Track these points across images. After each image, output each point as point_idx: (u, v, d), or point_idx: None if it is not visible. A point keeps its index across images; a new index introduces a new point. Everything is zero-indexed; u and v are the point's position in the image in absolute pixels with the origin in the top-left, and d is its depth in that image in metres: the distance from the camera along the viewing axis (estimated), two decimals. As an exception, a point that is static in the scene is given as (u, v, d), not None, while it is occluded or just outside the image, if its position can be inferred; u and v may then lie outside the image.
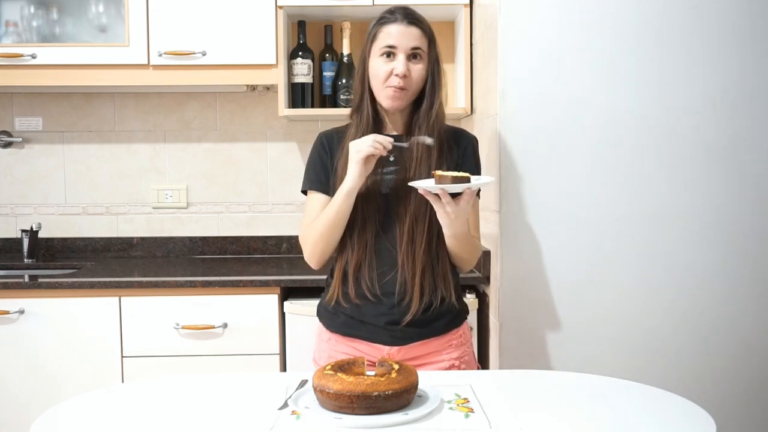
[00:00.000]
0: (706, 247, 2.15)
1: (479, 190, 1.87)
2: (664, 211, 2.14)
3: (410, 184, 1.65)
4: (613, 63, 2.12)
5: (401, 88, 1.71)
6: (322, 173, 1.80)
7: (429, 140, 1.71)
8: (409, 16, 1.73)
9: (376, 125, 1.78)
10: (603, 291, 2.15)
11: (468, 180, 1.58)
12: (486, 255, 2.29)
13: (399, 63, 1.70)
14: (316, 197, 1.80)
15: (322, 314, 1.84)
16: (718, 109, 2.13)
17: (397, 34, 1.71)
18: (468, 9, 2.60)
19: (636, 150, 2.13)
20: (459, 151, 1.81)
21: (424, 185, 1.60)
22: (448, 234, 1.69)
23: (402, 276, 1.73)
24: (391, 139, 1.68)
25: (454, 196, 1.60)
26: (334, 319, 1.80)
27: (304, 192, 1.85)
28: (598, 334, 2.15)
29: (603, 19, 2.11)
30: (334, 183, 1.75)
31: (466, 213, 1.64)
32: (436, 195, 1.59)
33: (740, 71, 2.12)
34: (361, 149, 1.64)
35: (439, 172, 1.59)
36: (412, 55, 1.72)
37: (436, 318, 1.76)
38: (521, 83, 2.12)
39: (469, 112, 2.65)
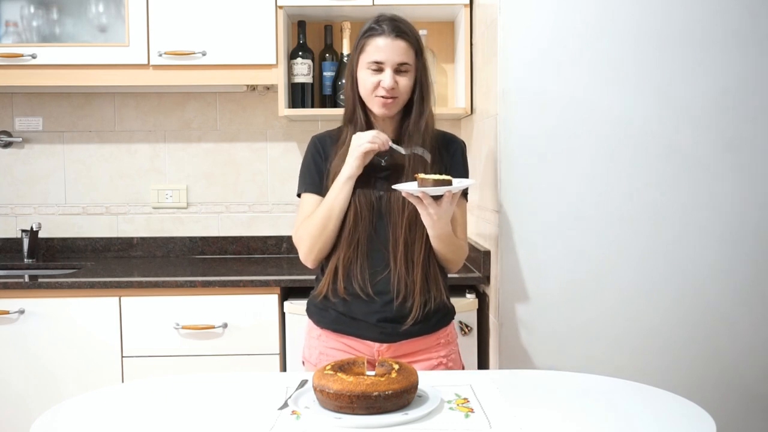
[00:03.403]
0: (706, 247, 2.15)
1: (467, 193, 1.89)
2: (664, 211, 2.14)
3: (394, 187, 1.68)
4: (613, 63, 2.12)
5: (391, 97, 1.75)
6: (316, 176, 1.82)
7: (427, 155, 1.75)
8: (396, 29, 1.74)
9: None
10: (603, 291, 2.15)
11: (449, 183, 1.62)
12: (486, 255, 2.29)
13: (386, 77, 1.73)
14: (311, 199, 1.82)
15: (312, 311, 1.86)
16: (718, 109, 2.13)
17: (383, 48, 1.73)
18: (468, 9, 2.60)
19: (636, 150, 2.13)
20: (448, 156, 1.85)
21: (406, 188, 1.64)
22: (432, 235, 1.72)
23: (396, 276, 1.75)
24: (389, 140, 1.73)
25: (437, 198, 1.63)
26: (324, 316, 1.82)
27: (299, 196, 1.87)
28: (598, 334, 2.15)
29: (603, 19, 2.11)
30: (327, 185, 1.78)
31: (448, 214, 1.67)
32: (419, 197, 1.62)
33: (740, 71, 2.12)
34: (361, 144, 1.70)
35: (421, 175, 1.63)
36: (399, 69, 1.74)
37: (428, 317, 1.79)
38: (521, 83, 2.12)
39: (469, 112, 2.65)
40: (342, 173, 1.73)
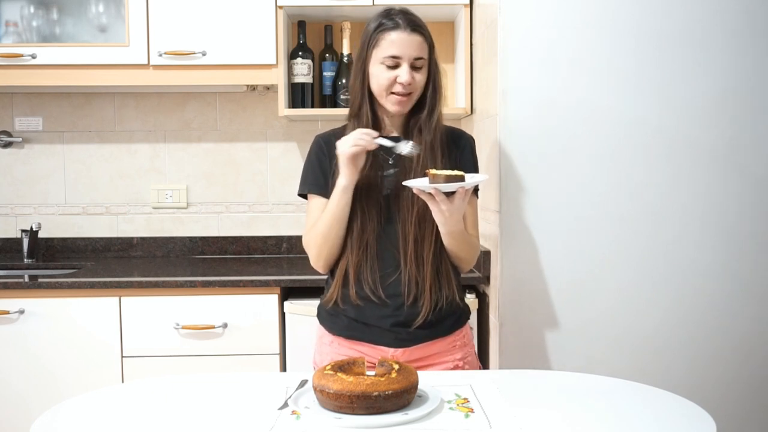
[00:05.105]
0: (706, 248, 2.15)
1: (478, 189, 1.88)
2: (664, 211, 2.14)
3: (404, 183, 1.66)
4: (613, 63, 2.12)
5: (406, 94, 1.72)
6: (320, 176, 1.79)
7: (417, 148, 1.69)
8: (412, 23, 1.72)
9: (375, 128, 1.77)
10: (603, 291, 2.15)
11: (461, 178, 1.58)
12: (486, 255, 2.29)
13: (404, 72, 1.70)
14: (317, 201, 1.79)
15: (323, 317, 1.83)
16: (718, 110, 2.13)
17: (400, 43, 1.70)
18: (468, 9, 2.60)
19: (636, 150, 2.13)
20: (458, 152, 1.82)
21: (417, 185, 1.61)
22: (444, 232, 1.69)
23: (407, 277, 1.72)
24: (376, 133, 1.67)
25: (449, 194, 1.60)
26: (336, 322, 1.79)
27: (303, 196, 1.85)
28: (598, 334, 2.15)
29: (603, 19, 2.11)
30: (333, 185, 1.75)
31: (460, 211, 1.64)
32: (430, 194, 1.59)
33: (740, 72, 2.12)
34: (344, 150, 1.65)
35: (432, 171, 1.60)
36: (414, 64, 1.72)
37: (442, 319, 1.76)
38: (521, 83, 2.12)
39: (469, 112, 2.65)
40: (338, 181, 1.69)
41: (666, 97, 2.12)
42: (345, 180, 1.68)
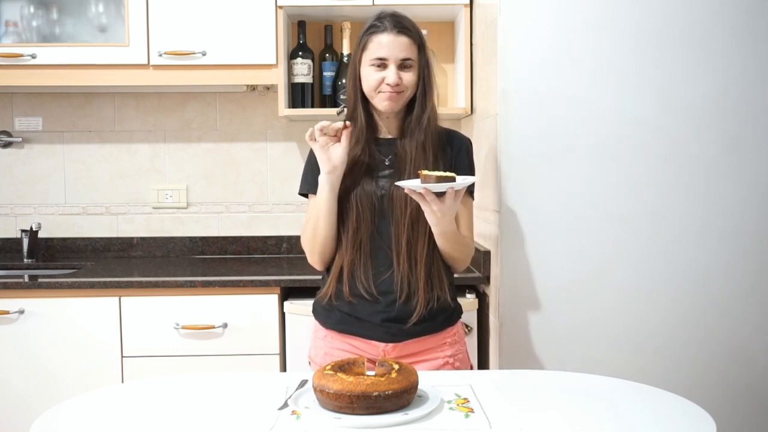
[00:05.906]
0: (706, 248, 2.15)
1: (473, 191, 1.89)
2: (664, 211, 2.14)
3: (397, 183, 1.68)
4: (613, 63, 2.12)
5: (396, 92, 1.74)
6: (318, 177, 1.81)
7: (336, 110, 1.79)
8: (398, 25, 1.75)
9: (370, 130, 1.80)
10: (603, 291, 2.15)
11: (453, 179, 1.61)
12: (486, 255, 2.29)
13: (390, 73, 1.73)
14: (315, 200, 1.81)
15: (318, 312, 1.86)
16: (718, 109, 2.13)
17: (387, 44, 1.73)
18: (468, 9, 2.60)
19: (636, 150, 2.13)
20: (453, 153, 1.84)
21: (409, 185, 1.63)
22: (437, 232, 1.71)
23: (399, 275, 1.74)
24: (339, 125, 1.75)
25: (440, 195, 1.62)
26: (329, 317, 1.82)
27: (303, 195, 1.88)
28: (598, 334, 2.15)
29: (603, 19, 2.11)
30: None
31: (452, 211, 1.66)
32: (421, 194, 1.61)
33: (740, 71, 2.12)
34: (307, 134, 1.73)
35: (424, 172, 1.62)
36: (403, 65, 1.74)
37: (432, 316, 1.78)
38: (521, 83, 2.12)
39: (469, 112, 2.65)
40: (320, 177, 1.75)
41: (666, 97, 2.12)
42: (322, 173, 1.73)
